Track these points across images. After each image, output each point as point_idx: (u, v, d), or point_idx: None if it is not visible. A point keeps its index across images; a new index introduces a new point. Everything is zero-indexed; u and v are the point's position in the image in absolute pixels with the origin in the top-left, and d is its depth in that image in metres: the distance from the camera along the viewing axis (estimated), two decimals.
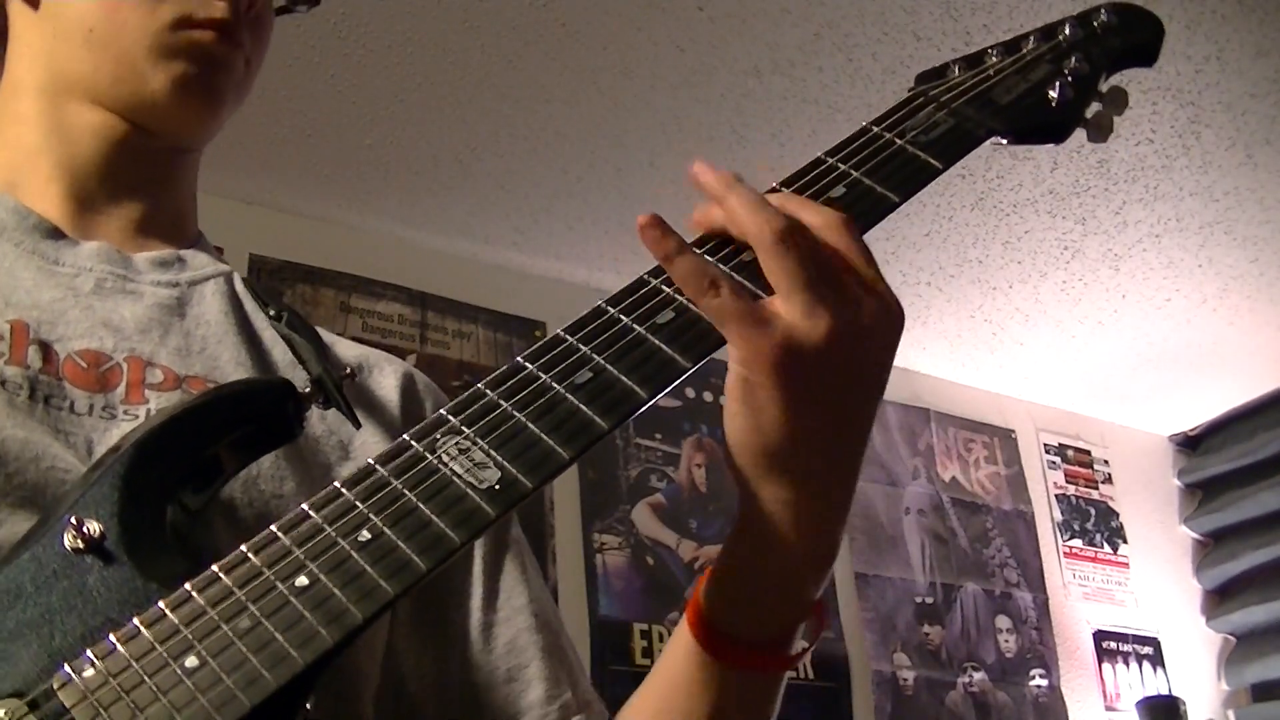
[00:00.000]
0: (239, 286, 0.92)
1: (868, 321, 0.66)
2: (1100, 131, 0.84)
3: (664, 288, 0.69)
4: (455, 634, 0.87)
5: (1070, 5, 2.58)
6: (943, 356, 3.67)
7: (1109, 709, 3.56)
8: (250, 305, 0.91)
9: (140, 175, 0.90)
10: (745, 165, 2.80)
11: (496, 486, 0.60)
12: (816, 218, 0.68)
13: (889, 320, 0.67)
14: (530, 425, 0.63)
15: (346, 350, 0.95)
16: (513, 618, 0.88)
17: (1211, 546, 3.99)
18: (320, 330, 0.94)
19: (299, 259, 2.77)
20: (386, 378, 0.94)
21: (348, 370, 0.84)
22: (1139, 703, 3.53)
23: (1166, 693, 3.62)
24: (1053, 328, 3.54)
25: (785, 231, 0.65)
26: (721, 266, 0.68)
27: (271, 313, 0.89)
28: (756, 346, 0.64)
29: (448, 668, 0.86)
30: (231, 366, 0.83)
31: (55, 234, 0.85)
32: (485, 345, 3.00)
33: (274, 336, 0.89)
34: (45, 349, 0.77)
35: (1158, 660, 3.73)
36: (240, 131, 2.71)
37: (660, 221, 0.66)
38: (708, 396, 3.26)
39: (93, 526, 0.62)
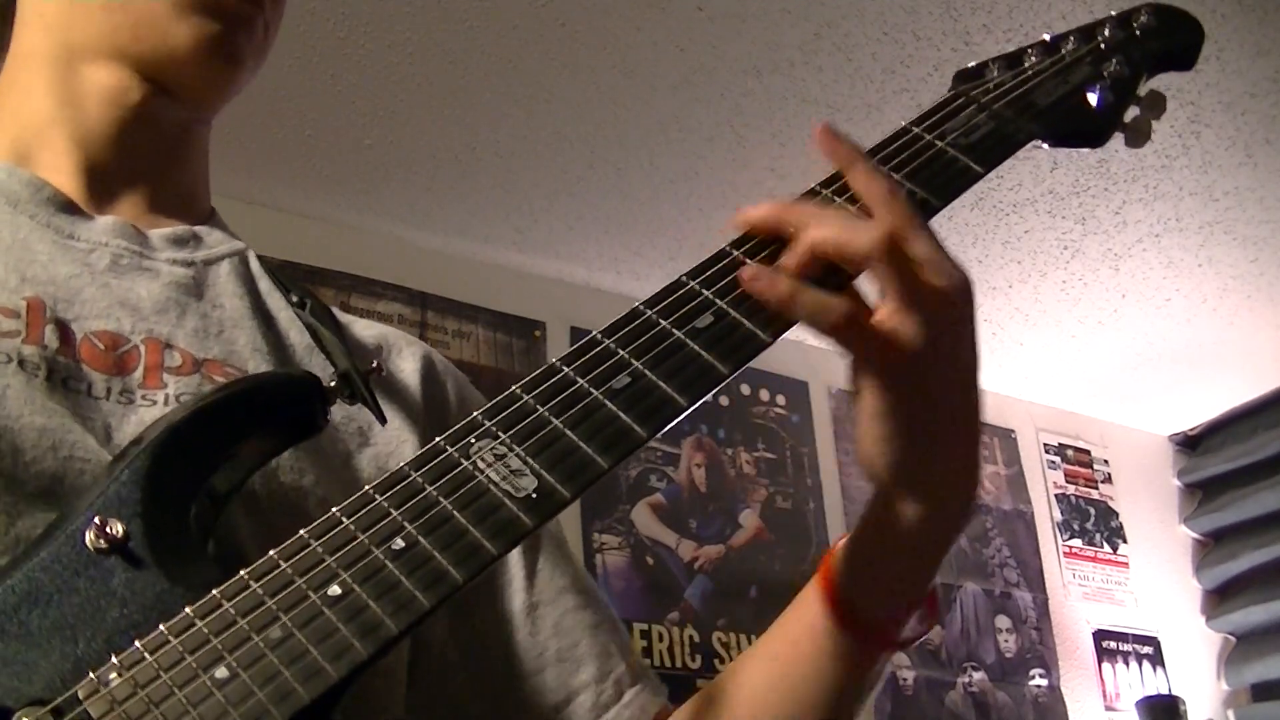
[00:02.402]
0: (255, 266, 0.90)
1: (953, 299, 0.67)
2: (1138, 136, 0.83)
3: (702, 290, 0.67)
4: (496, 623, 0.86)
5: (1069, 4, 2.57)
6: None
7: (1109, 709, 3.56)
8: (266, 286, 0.89)
9: (153, 146, 0.88)
10: (745, 165, 2.80)
11: (534, 495, 0.59)
12: (892, 212, 0.69)
13: (964, 290, 0.68)
14: (568, 432, 0.61)
15: (365, 331, 0.94)
16: (557, 598, 0.88)
17: (1211, 546, 3.99)
18: (336, 311, 0.93)
19: (299, 259, 2.76)
20: (406, 361, 0.92)
21: (374, 364, 0.82)
22: (1139, 702, 3.53)
23: (1166, 692, 3.62)
24: (1052, 328, 3.54)
25: (894, 246, 0.65)
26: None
27: (295, 299, 0.88)
28: (890, 361, 0.66)
29: (489, 659, 0.85)
30: (249, 351, 0.82)
31: (70, 208, 0.83)
32: (485, 345, 3.00)
33: (290, 318, 0.87)
34: (62, 328, 0.76)
35: (1158, 660, 3.73)
36: (240, 131, 2.71)
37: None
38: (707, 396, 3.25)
39: (116, 527, 0.60)
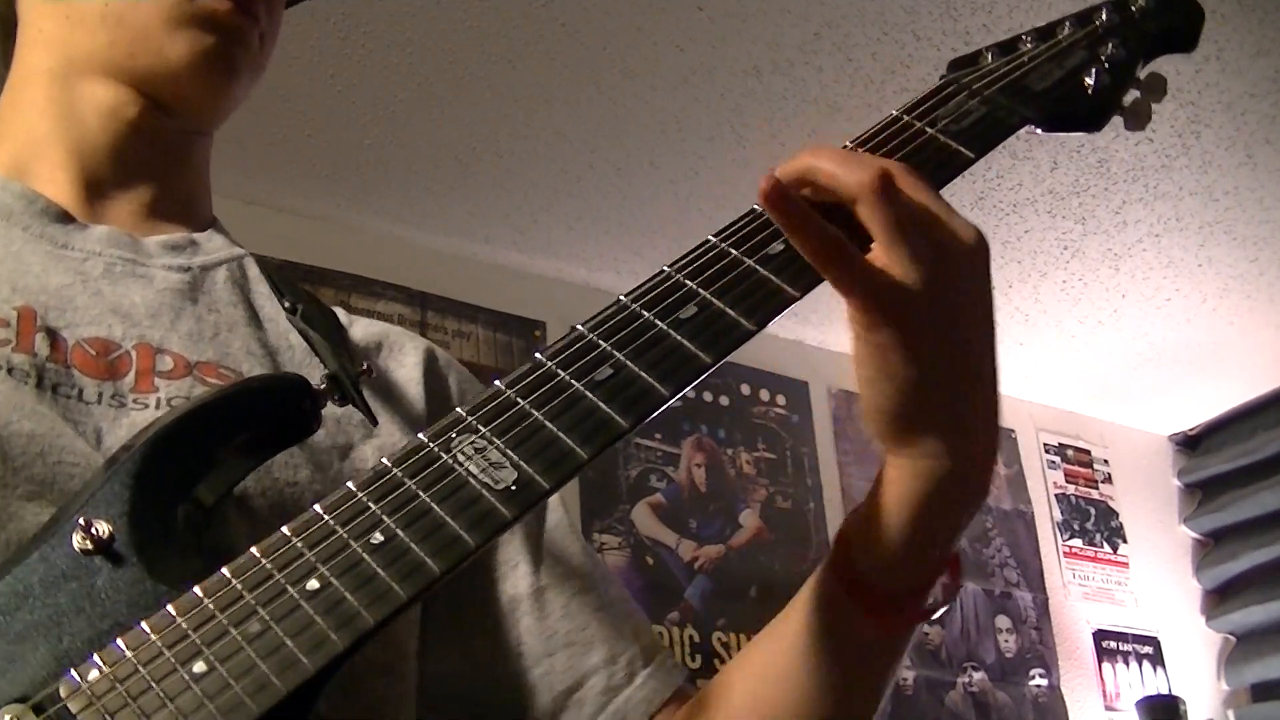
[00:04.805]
0: (253, 271, 0.91)
1: (958, 254, 0.66)
2: (1138, 119, 0.82)
3: (686, 281, 0.67)
4: (504, 610, 0.86)
5: (1069, 5, 2.57)
6: None
7: (1109, 709, 3.56)
8: (264, 290, 0.90)
9: (151, 157, 0.89)
10: (745, 165, 2.80)
11: (513, 487, 0.59)
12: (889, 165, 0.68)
13: (971, 246, 0.67)
14: (548, 424, 0.61)
15: (366, 330, 0.94)
16: (564, 581, 0.87)
17: (1211, 546, 3.98)
18: (339, 310, 0.93)
19: (299, 259, 2.77)
20: (408, 355, 0.93)
21: (364, 366, 0.83)
22: (1139, 702, 3.52)
23: (1166, 692, 3.62)
24: (1053, 328, 3.54)
25: (883, 184, 0.64)
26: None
27: (287, 305, 0.88)
28: (882, 305, 0.64)
29: (498, 647, 0.85)
30: (243, 354, 0.82)
31: (64, 218, 0.84)
32: (485, 345, 3.00)
33: (289, 323, 0.88)
34: (53, 336, 0.76)
35: (1158, 660, 3.72)
36: (240, 131, 2.71)
37: (781, 188, 0.64)
38: (707, 396, 3.26)
39: (102, 527, 0.61)
